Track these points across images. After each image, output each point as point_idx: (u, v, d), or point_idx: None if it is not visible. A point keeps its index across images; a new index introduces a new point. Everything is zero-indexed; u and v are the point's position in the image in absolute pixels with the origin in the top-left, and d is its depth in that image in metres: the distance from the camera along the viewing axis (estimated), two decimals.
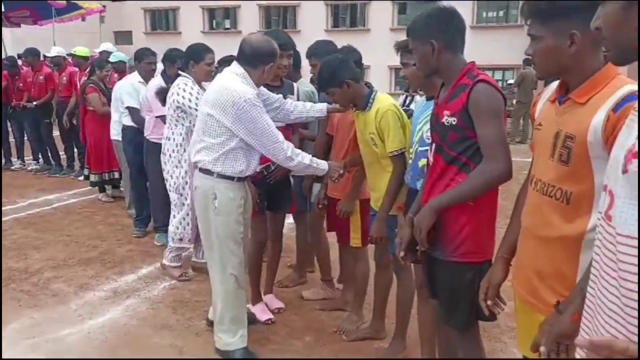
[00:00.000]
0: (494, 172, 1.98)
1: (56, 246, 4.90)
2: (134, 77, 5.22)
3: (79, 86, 7.03)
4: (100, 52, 7.52)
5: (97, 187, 6.50)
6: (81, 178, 7.53)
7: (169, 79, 4.22)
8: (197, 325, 3.45)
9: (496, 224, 2.14)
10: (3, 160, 8.36)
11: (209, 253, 2.96)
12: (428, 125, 2.40)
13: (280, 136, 2.77)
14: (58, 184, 7.47)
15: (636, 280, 1.12)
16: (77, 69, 7.45)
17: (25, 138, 8.41)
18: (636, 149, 1.09)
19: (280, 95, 3.13)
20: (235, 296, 2.96)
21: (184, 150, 3.95)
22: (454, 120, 2.03)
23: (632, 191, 1.10)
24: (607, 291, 1.21)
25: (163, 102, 4.09)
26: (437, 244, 2.13)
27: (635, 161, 1.08)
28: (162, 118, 4.24)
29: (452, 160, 2.09)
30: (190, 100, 3.79)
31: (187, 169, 3.96)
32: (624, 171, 1.11)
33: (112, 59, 6.55)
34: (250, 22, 25.14)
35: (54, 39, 11.71)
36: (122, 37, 25.61)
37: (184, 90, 3.80)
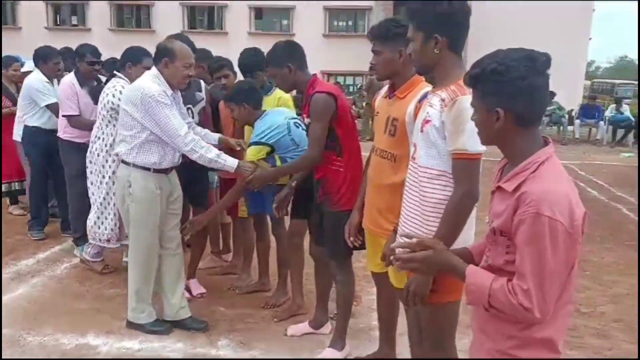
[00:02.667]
0: (308, 158, 3.02)
1: None
2: (38, 76, 5.01)
3: None
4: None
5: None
6: None
7: (83, 77, 4.41)
8: (107, 292, 3.97)
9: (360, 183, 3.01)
10: None
11: (129, 234, 3.35)
12: None
13: (183, 130, 3.08)
14: None
15: (433, 194, 2.06)
16: None
17: None
18: (428, 118, 2.02)
19: (192, 121, 3.53)
20: (141, 274, 3.31)
21: (113, 150, 3.72)
22: (308, 121, 2.99)
23: (425, 142, 2.04)
24: (411, 202, 2.15)
25: (95, 100, 4.15)
26: (326, 202, 3.02)
27: (428, 125, 2.02)
28: (68, 118, 4.40)
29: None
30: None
31: (115, 169, 3.89)
32: (421, 131, 2.05)
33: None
34: (100, 20, 24.29)
35: None
36: None
37: (120, 92, 3.79)
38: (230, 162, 3.17)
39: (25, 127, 5.12)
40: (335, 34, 23.45)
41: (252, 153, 3.35)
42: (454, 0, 2.00)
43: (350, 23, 24.29)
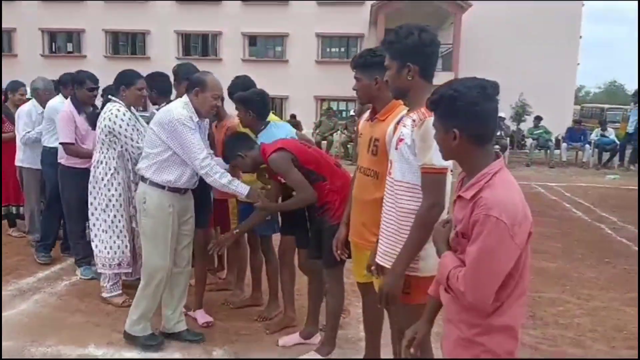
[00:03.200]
0: (304, 199, 3.33)
1: None
2: (61, 99, 5.08)
3: None
4: None
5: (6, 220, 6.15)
6: None
7: (81, 103, 4.57)
8: (105, 308, 4.14)
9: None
10: None
11: (143, 249, 3.51)
12: None
13: (202, 154, 3.28)
14: None
15: (407, 205, 2.28)
16: None
17: None
18: (402, 137, 2.26)
19: (212, 151, 3.62)
20: (151, 291, 3.40)
21: (118, 174, 4.07)
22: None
23: (400, 158, 2.27)
24: (388, 213, 2.37)
25: (94, 126, 4.26)
26: (326, 217, 3.27)
27: (402, 144, 2.25)
28: (63, 145, 4.52)
29: None
30: (121, 126, 3.94)
31: (121, 191, 4.09)
32: (396, 148, 2.28)
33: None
34: (96, 47, 24.72)
35: None
36: None
37: (116, 116, 3.94)
38: (242, 189, 3.39)
39: (44, 148, 5.15)
40: (328, 60, 23.91)
41: None
42: (423, 33, 2.25)
43: (342, 50, 24.77)
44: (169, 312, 3.60)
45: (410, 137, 2.22)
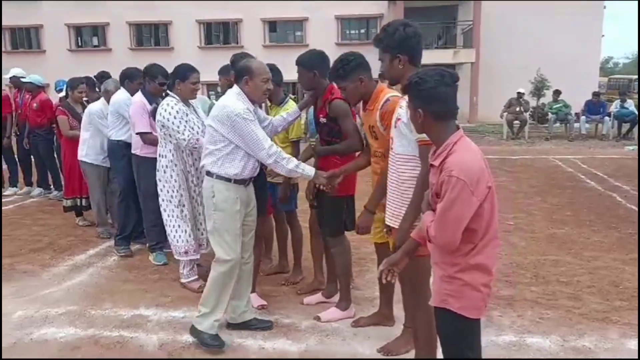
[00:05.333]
0: (354, 144, 3.56)
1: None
2: (125, 94, 5.20)
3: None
4: (10, 78, 7.94)
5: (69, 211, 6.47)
6: (7, 192, 8.15)
7: (151, 95, 4.74)
8: (151, 277, 4.69)
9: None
10: None
11: (212, 243, 3.47)
12: None
13: (267, 143, 3.26)
14: None
15: (406, 173, 2.71)
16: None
17: None
18: (399, 117, 2.69)
19: (270, 117, 3.80)
20: (221, 284, 3.40)
21: (175, 166, 4.26)
22: (325, 120, 3.62)
23: (398, 135, 2.71)
24: (392, 181, 2.81)
25: (154, 119, 4.37)
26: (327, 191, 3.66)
27: (400, 122, 2.68)
28: (141, 134, 4.69)
29: (327, 143, 3.70)
30: (169, 120, 4.05)
31: (180, 182, 4.29)
32: (395, 126, 2.72)
33: (27, 79, 7.24)
34: (120, 40, 25.40)
35: None
36: None
37: (165, 110, 4.08)
38: (308, 171, 3.38)
39: (111, 142, 5.29)
40: (348, 42, 24.04)
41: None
42: (407, 28, 2.70)
43: (362, 31, 24.95)
44: (234, 302, 3.61)
45: (406, 116, 2.64)
